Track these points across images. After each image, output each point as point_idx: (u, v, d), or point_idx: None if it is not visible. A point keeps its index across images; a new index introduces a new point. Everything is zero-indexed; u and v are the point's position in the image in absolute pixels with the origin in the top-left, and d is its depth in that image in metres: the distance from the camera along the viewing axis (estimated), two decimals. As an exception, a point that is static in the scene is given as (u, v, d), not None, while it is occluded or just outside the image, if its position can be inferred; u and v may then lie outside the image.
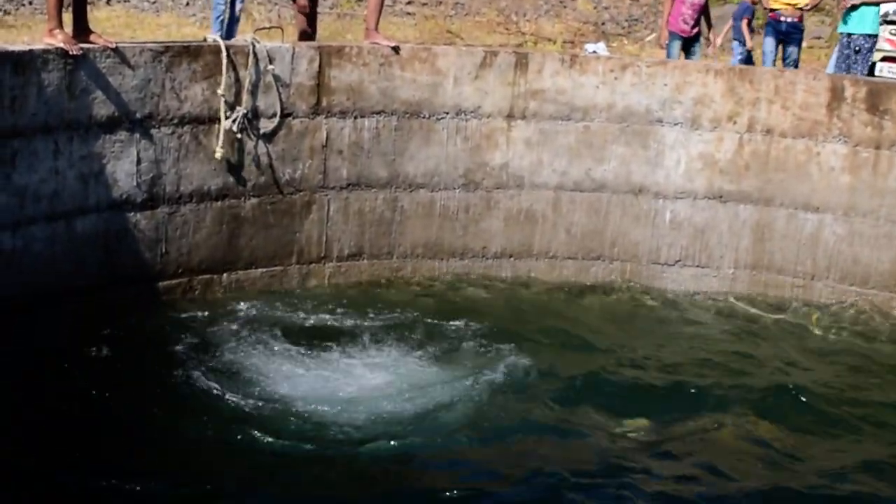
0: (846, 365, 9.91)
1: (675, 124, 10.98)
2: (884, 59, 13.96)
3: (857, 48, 12.93)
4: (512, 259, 11.07)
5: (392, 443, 7.82)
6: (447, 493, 7.32)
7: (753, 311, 10.82)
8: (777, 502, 7.54)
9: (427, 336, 9.47)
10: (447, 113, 10.59)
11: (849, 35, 13.26)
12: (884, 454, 8.31)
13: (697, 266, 11.23)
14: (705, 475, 7.83)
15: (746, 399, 8.93)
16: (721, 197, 11.08)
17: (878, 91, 10.78)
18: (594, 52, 12.79)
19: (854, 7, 13.18)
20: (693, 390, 9.06)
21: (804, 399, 8.99)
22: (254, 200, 9.93)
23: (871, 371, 9.82)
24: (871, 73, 13.50)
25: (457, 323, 9.80)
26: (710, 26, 14.19)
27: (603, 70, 10.89)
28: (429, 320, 9.83)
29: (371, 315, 9.83)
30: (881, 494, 7.66)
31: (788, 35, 13.51)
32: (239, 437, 7.72)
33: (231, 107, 9.57)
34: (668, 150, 11.04)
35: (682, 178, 11.08)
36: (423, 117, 10.53)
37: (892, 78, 13.15)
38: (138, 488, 7.12)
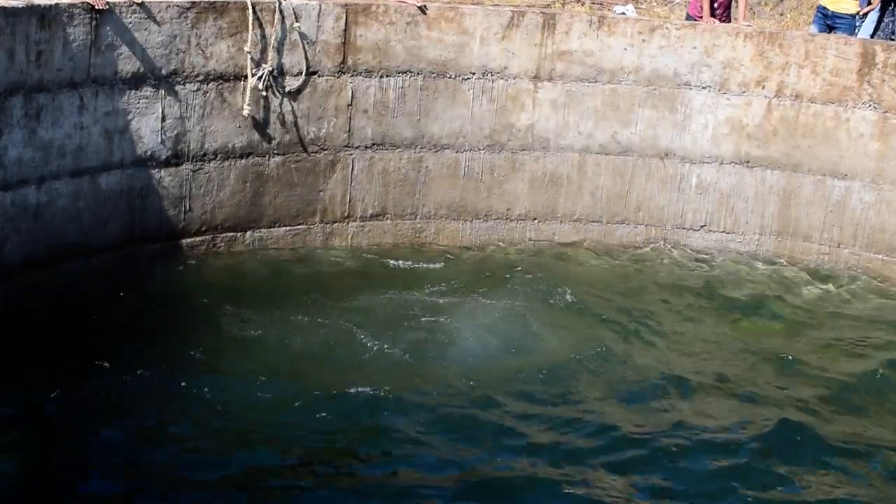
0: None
1: (703, 88, 10.89)
2: None
3: None
4: (536, 221, 11.02)
5: (412, 403, 7.90)
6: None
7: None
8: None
9: (446, 297, 9.52)
10: (473, 73, 10.53)
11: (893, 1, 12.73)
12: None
13: (723, 231, 11.16)
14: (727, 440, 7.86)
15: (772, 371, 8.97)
16: (748, 162, 11.00)
17: (909, 57, 10.66)
18: (623, 13, 12.60)
19: None
20: (710, 365, 9.08)
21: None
22: (278, 158, 9.91)
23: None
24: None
25: (478, 284, 9.85)
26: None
27: (631, 32, 10.79)
28: (449, 281, 9.87)
29: (393, 274, 9.86)
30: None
31: (835, 23, 12.95)
32: (259, 391, 7.79)
33: (257, 64, 9.54)
34: (696, 114, 10.95)
35: (708, 143, 11.00)
36: (449, 77, 10.46)
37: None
38: (161, 440, 7.22)
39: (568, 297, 9.77)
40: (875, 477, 7.52)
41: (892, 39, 12.30)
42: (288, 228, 10.13)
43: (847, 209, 10.95)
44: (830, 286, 10.63)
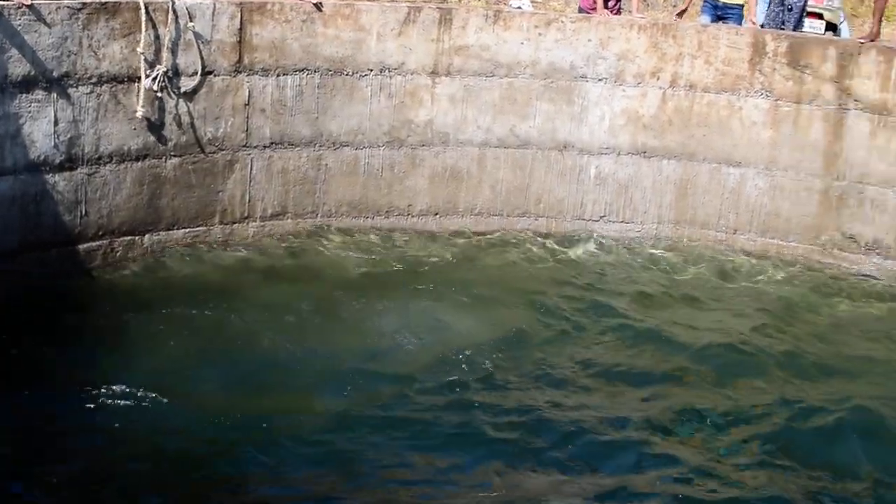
0: (770, 313, 10.12)
1: (599, 80, 11.01)
2: (807, 14, 13.83)
3: (789, 6, 12.74)
4: (437, 216, 11.05)
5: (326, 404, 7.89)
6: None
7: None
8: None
9: (348, 294, 9.54)
10: (371, 70, 10.52)
11: None
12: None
13: (622, 221, 11.30)
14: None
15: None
16: (645, 152, 11.15)
17: (799, 45, 10.91)
18: (519, 7, 12.67)
19: None
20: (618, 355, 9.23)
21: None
22: (175, 160, 9.80)
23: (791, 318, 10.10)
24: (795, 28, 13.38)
25: (380, 280, 9.88)
26: None
27: (527, 26, 10.87)
28: (351, 278, 9.89)
29: (293, 274, 9.83)
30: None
31: (725, 14, 13.12)
32: (161, 396, 7.72)
33: (151, 65, 9.41)
34: (593, 106, 11.07)
35: (606, 134, 11.13)
36: (347, 74, 10.44)
37: (814, 32, 13.14)
38: (69, 452, 7.11)
39: (469, 289, 9.84)
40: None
41: (782, 29, 12.54)
42: (187, 230, 10.03)
43: (742, 196, 11.17)
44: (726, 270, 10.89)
